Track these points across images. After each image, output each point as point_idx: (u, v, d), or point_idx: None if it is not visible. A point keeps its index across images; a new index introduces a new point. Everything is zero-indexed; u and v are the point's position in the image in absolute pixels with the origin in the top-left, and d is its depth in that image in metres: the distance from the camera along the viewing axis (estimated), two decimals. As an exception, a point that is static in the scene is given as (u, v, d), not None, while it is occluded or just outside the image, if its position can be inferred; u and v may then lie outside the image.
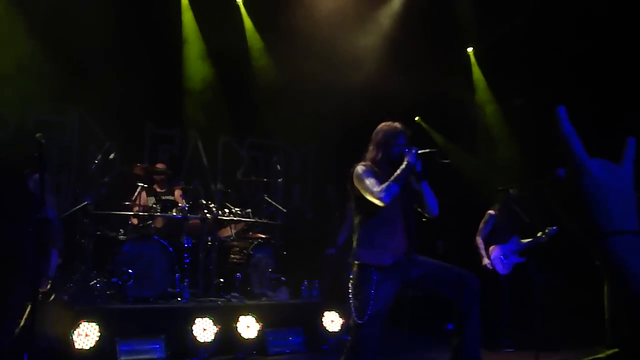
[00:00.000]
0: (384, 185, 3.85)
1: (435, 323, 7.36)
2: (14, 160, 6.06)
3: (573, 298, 6.98)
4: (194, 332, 5.84)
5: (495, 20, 8.55)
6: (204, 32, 9.06)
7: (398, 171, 3.91)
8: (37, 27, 7.24)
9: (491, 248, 6.99)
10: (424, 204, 4.09)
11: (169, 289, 6.55)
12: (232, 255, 7.29)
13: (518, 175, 8.31)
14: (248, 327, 6.15)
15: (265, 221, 8.01)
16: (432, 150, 4.11)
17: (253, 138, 10.32)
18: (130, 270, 6.21)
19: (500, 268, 6.91)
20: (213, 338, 5.90)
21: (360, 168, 3.99)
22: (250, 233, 7.86)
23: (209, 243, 7.10)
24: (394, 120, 4.21)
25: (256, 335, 6.15)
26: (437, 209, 4.12)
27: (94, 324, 5.44)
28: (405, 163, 3.94)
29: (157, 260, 6.44)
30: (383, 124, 4.20)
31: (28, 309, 4.68)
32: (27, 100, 7.35)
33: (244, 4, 9.33)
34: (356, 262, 3.96)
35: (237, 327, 6.10)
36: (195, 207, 7.23)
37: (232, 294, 6.76)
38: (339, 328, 6.70)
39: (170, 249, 6.53)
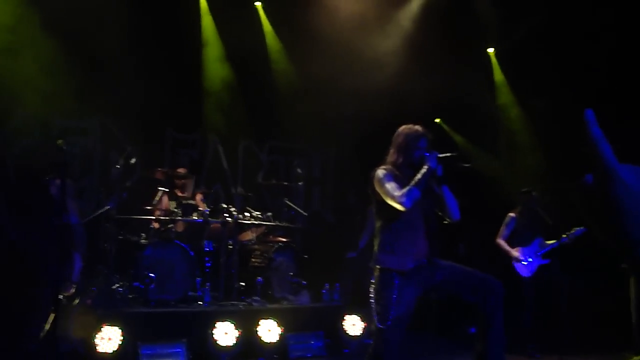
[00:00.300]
0: (404, 190, 3.82)
1: (459, 327, 7.30)
2: (38, 166, 6.12)
3: (598, 301, 6.87)
4: (215, 336, 5.85)
5: (515, 20, 8.45)
6: (224, 36, 9.09)
7: (419, 175, 3.87)
8: (57, 33, 7.30)
9: (513, 251, 6.91)
10: (445, 208, 4.05)
11: (190, 293, 6.57)
12: (253, 259, 7.30)
13: (540, 176, 8.21)
14: (269, 331, 6.14)
15: (286, 225, 8.01)
16: (452, 154, 4.06)
17: (273, 141, 10.33)
18: (152, 274, 6.25)
19: (523, 271, 6.83)
20: (234, 342, 5.90)
21: (380, 172, 3.96)
22: (271, 237, 7.86)
23: (230, 247, 7.11)
24: (415, 123, 4.17)
25: (277, 339, 6.14)
26: (459, 213, 4.07)
27: (116, 327, 5.48)
28: (425, 167, 3.90)
29: (179, 264, 6.47)
30: (404, 127, 4.16)
31: (52, 314, 4.71)
32: (50, 106, 7.42)
33: (263, 7, 9.34)
34: (378, 266, 3.94)
35: (258, 331, 6.10)
36: (216, 211, 7.25)
37: (253, 297, 6.76)
38: (360, 332, 6.67)
39: (192, 253, 6.56)
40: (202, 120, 9.30)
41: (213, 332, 5.86)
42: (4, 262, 5.98)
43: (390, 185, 3.86)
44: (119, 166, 6.81)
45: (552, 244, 6.81)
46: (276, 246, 7.18)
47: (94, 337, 5.37)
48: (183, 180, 7.70)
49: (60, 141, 4.48)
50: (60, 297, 4.64)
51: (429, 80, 8.19)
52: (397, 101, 8.46)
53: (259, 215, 7.40)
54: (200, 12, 8.97)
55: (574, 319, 6.50)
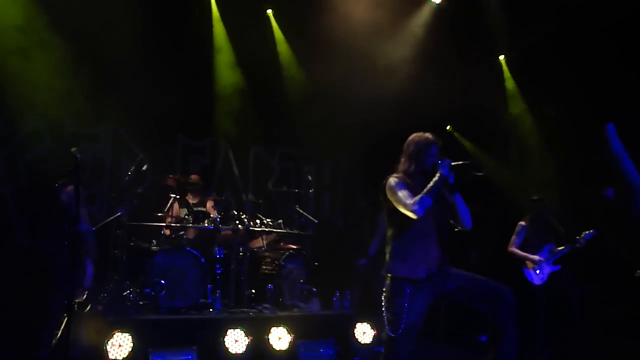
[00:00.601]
0: (417, 198, 3.81)
1: (470, 335, 7.25)
2: (50, 173, 6.16)
3: (612, 310, 6.80)
4: (225, 343, 5.84)
5: (526, 27, 8.44)
6: (235, 42, 9.11)
7: (431, 183, 3.87)
8: (69, 41, 7.36)
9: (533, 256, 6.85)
10: (457, 216, 4.04)
11: (201, 300, 6.57)
12: (264, 266, 7.29)
13: (552, 184, 8.16)
14: (280, 338, 6.12)
15: (297, 232, 8.00)
16: (465, 162, 4.05)
17: (284, 148, 10.32)
18: (162, 281, 6.26)
19: (534, 279, 6.78)
20: (245, 349, 5.89)
21: (392, 180, 3.96)
22: (282, 244, 7.85)
23: (241, 254, 7.11)
24: (426, 131, 4.17)
25: (288, 346, 6.12)
26: (471, 221, 4.06)
27: (127, 334, 5.48)
28: (437, 175, 3.89)
29: (189, 271, 6.47)
30: (414, 134, 4.16)
31: (64, 320, 4.73)
32: (61, 112, 7.47)
33: (274, 14, 9.37)
34: (389, 274, 3.93)
35: (268, 339, 6.08)
36: (226, 218, 7.27)
37: (264, 305, 6.75)
38: (371, 340, 6.63)
39: (202, 259, 6.56)
40: (213, 127, 9.32)
41: (224, 339, 5.84)
42: (16, 269, 6.03)
43: (402, 194, 3.86)
44: (130, 173, 6.83)
45: (563, 249, 6.75)
46: (287, 253, 7.17)
47: (105, 343, 5.37)
48: (194, 187, 7.72)
49: (74, 149, 4.50)
50: (72, 303, 4.65)
51: (439, 87, 8.18)
52: (407, 108, 8.46)
53: (270, 223, 7.40)
54: (212, 19, 9.00)
55: (587, 327, 6.44)
